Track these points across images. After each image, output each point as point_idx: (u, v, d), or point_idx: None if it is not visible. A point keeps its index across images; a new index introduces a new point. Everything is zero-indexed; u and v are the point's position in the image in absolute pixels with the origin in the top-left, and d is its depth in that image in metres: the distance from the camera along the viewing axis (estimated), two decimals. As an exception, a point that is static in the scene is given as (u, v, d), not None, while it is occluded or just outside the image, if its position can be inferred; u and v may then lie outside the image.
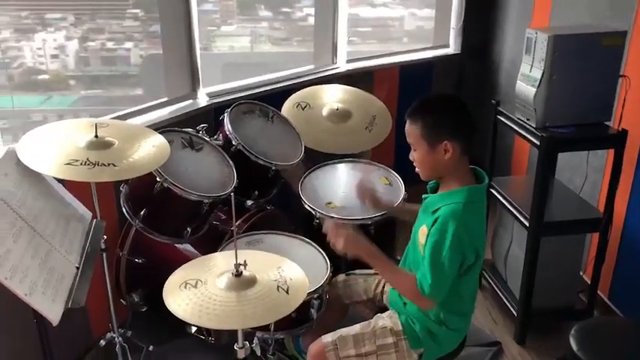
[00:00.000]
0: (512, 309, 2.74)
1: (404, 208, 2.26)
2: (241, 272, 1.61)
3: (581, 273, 2.84)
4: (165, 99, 2.94)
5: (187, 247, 2.43)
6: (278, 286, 1.60)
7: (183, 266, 1.73)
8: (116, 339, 2.12)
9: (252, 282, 1.60)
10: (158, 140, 1.99)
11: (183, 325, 2.45)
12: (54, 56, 2.58)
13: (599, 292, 2.71)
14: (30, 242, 1.51)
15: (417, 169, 1.84)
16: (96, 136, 1.83)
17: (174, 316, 2.54)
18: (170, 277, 1.67)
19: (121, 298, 2.51)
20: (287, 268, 1.70)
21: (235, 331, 2.37)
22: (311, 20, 3.74)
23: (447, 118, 1.76)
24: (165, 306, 2.52)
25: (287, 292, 1.59)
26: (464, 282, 1.80)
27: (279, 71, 3.43)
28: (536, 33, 2.37)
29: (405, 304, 1.94)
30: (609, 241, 2.56)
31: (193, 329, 2.42)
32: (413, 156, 1.83)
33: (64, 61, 2.58)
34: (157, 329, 2.48)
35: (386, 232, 2.52)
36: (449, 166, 1.77)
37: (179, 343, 2.50)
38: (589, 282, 2.70)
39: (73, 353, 2.40)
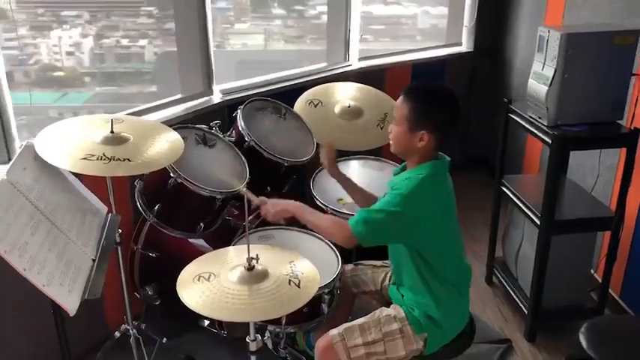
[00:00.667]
0: (522, 307, 2.74)
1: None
2: (253, 266, 1.63)
3: (592, 272, 2.83)
4: (179, 96, 2.98)
5: (200, 242, 2.47)
6: (290, 280, 1.63)
7: (196, 260, 1.77)
8: (130, 331, 2.15)
9: (264, 276, 1.63)
10: (172, 136, 2.03)
11: (196, 318, 2.50)
12: (69, 53, 2.61)
13: (610, 290, 2.70)
14: (48, 235, 1.55)
15: (390, 140, 1.91)
16: (112, 132, 1.86)
17: (188, 310, 2.60)
18: (183, 270, 1.69)
19: (135, 292, 2.55)
20: (299, 263, 1.73)
21: (247, 325, 2.42)
22: (324, 18, 3.76)
23: (434, 113, 1.82)
24: (178, 300, 2.57)
25: (298, 286, 1.61)
26: (433, 247, 1.84)
27: (292, 69, 3.45)
28: (549, 31, 2.37)
29: (402, 295, 1.98)
30: (621, 240, 2.55)
31: (206, 323, 2.46)
32: (391, 128, 1.90)
33: (79, 58, 2.62)
34: (170, 322, 2.52)
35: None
36: (419, 152, 1.85)
37: (192, 336, 2.54)
38: (600, 280, 2.70)
39: (88, 343, 2.45)
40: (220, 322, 2.40)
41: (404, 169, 1.96)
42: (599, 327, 2.06)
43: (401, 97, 1.85)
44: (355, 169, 2.76)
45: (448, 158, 1.90)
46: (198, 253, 2.36)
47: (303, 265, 1.72)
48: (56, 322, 1.68)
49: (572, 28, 2.36)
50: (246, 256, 1.66)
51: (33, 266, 1.41)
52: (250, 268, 1.63)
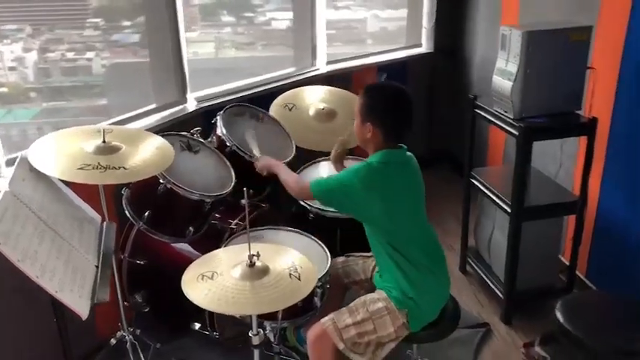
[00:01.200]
0: (497, 291, 2.89)
1: None
2: (254, 263, 1.71)
3: (560, 256, 3.01)
4: (154, 105, 3.01)
5: (186, 247, 2.52)
6: (290, 274, 1.70)
7: (195, 262, 1.82)
8: (127, 337, 2.19)
9: (265, 271, 1.71)
10: (161, 143, 2.08)
11: (187, 322, 2.55)
12: (12, 68, 2.54)
13: (577, 272, 2.88)
14: (53, 243, 1.59)
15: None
16: (104, 142, 1.90)
17: (178, 315, 2.64)
18: (185, 272, 1.75)
19: (124, 300, 2.57)
20: (296, 258, 1.81)
21: (239, 326, 2.48)
22: (275, 24, 3.83)
23: (379, 109, 2.00)
24: (167, 305, 2.61)
25: (299, 279, 1.69)
26: (397, 234, 1.99)
27: (249, 77, 3.50)
28: (510, 30, 2.52)
29: (380, 276, 2.12)
30: (585, 223, 2.73)
31: (197, 326, 2.51)
32: (354, 123, 2.09)
33: (23, 73, 2.54)
34: (161, 328, 2.56)
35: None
36: (371, 143, 2.03)
37: (184, 340, 2.58)
38: (567, 263, 2.88)
39: (79, 352, 2.45)
40: (212, 324, 2.45)
41: None
42: (572, 303, 2.23)
43: (359, 93, 2.06)
44: (334, 169, 2.85)
45: (405, 148, 2.05)
46: (184, 258, 2.44)
47: (300, 260, 1.80)
48: (60, 330, 1.72)
49: (531, 27, 2.52)
50: (245, 254, 1.73)
51: (44, 273, 1.45)
52: (252, 264, 1.70)
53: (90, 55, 2.82)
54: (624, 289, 2.66)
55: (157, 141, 2.09)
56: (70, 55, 2.73)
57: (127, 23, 2.97)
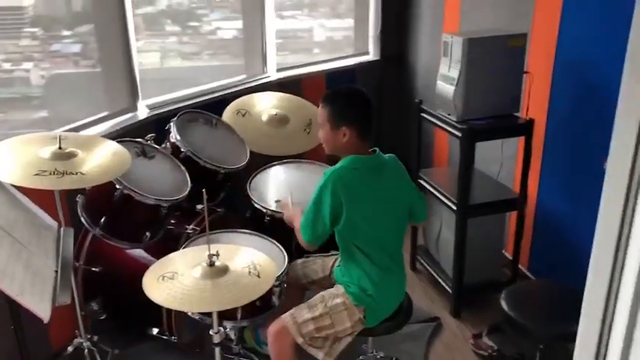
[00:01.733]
0: (446, 287, 3.02)
1: None
2: (214, 262, 1.75)
3: (503, 251, 3.17)
4: (105, 113, 3.01)
5: (141, 253, 2.53)
6: (249, 271, 1.76)
7: (155, 264, 1.85)
8: (84, 344, 2.18)
9: (225, 270, 1.76)
10: (117, 148, 2.10)
11: (144, 327, 2.56)
12: None
13: (519, 265, 3.04)
14: (12, 248, 1.59)
15: (323, 145, 2.15)
16: (60, 148, 1.91)
17: (135, 320, 2.64)
18: (146, 273, 1.78)
19: (81, 308, 2.55)
20: (254, 256, 1.86)
21: (196, 329, 2.51)
22: (220, 34, 3.86)
23: (349, 109, 2.08)
24: (124, 312, 2.61)
25: (258, 276, 1.75)
26: (359, 229, 2.06)
27: (197, 86, 3.53)
28: (452, 37, 2.67)
29: (341, 271, 2.19)
30: (525, 219, 2.90)
31: (155, 331, 2.52)
32: (320, 134, 2.14)
33: None
34: (118, 335, 2.55)
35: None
36: (346, 147, 2.07)
37: (141, 346, 2.58)
38: (510, 257, 3.04)
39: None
40: (170, 329, 2.47)
41: None
42: (515, 292, 2.36)
43: (320, 105, 2.10)
44: (288, 173, 2.93)
45: (377, 153, 2.11)
46: (140, 264, 2.46)
47: (258, 258, 1.86)
48: (18, 339, 1.71)
49: (471, 34, 2.67)
50: (204, 255, 1.77)
51: (4, 277, 1.46)
52: (212, 264, 1.74)
53: (27, 65, 2.76)
54: (563, 280, 2.83)
55: (113, 146, 2.11)
56: (7, 65, 2.66)
57: (67, 33, 2.93)
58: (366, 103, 2.09)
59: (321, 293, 2.14)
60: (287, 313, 2.07)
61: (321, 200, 1.99)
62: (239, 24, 3.84)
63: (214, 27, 3.83)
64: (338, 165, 2.06)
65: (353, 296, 2.08)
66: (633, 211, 0.99)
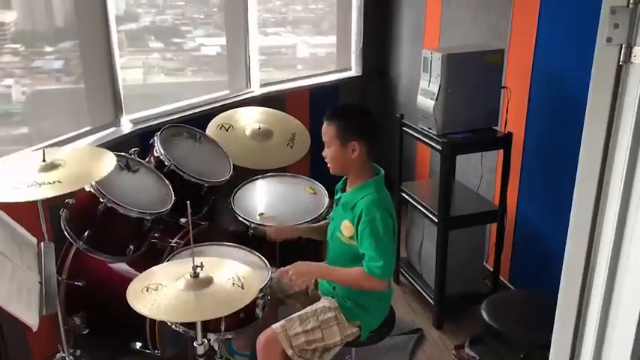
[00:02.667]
0: (428, 299, 3.05)
1: (313, 229, 2.50)
2: (198, 274, 1.77)
3: (484, 263, 3.21)
4: (88, 127, 3.02)
5: (125, 267, 2.52)
6: (233, 283, 1.78)
7: (140, 275, 1.86)
8: (67, 358, 2.17)
9: (209, 282, 1.77)
10: (100, 154, 2.11)
11: (127, 342, 2.54)
12: None
13: (500, 276, 3.09)
14: (-4, 261, 1.59)
15: (328, 164, 2.15)
16: (44, 160, 1.92)
17: (118, 335, 2.63)
18: (130, 284, 1.78)
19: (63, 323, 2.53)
20: (238, 269, 1.88)
21: (179, 343, 2.50)
22: (204, 50, 3.90)
23: (357, 123, 2.11)
24: (107, 326, 2.60)
25: (242, 287, 1.77)
26: None
27: (178, 102, 3.55)
28: (431, 53, 2.73)
29: (334, 288, 2.20)
30: (505, 231, 2.95)
31: (138, 345, 2.51)
32: (326, 153, 2.14)
33: None
34: (102, 348, 2.54)
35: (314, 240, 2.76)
36: (355, 163, 2.10)
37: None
38: (491, 269, 3.08)
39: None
40: (153, 343, 2.46)
41: (345, 183, 2.20)
42: (495, 302, 2.42)
43: (325, 123, 2.11)
44: (271, 186, 2.96)
45: (382, 171, 2.16)
46: (123, 278, 2.45)
47: (242, 270, 1.88)
48: (1, 355, 1.71)
49: (450, 50, 2.74)
50: (188, 268, 1.79)
51: (-11, 289, 1.46)
52: (196, 275, 1.76)
53: (9, 82, 2.75)
54: (543, 290, 2.87)
55: (96, 152, 2.12)
56: None
57: (49, 49, 2.93)
58: (370, 117, 2.13)
59: (314, 306, 2.15)
60: (278, 324, 2.08)
61: (379, 232, 1.99)
62: (222, 40, 3.87)
63: (198, 43, 3.86)
64: (371, 193, 2.04)
65: (348, 312, 2.11)
66: (602, 217, 1.04)
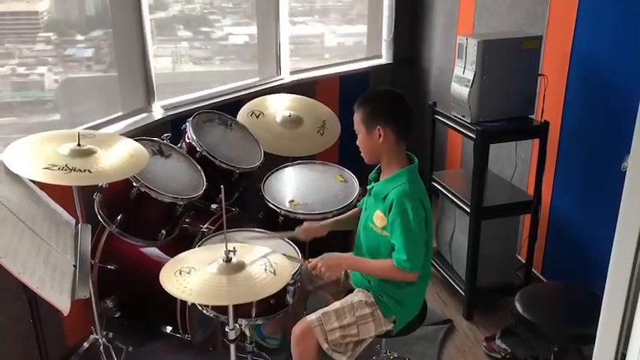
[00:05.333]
0: (459, 289, 3.01)
1: (341, 220, 2.46)
2: (231, 258, 1.77)
3: (517, 254, 3.15)
4: (120, 113, 3.04)
5: (156, 252, 2.54)
6: (265, 269, 1.77)
7: (173, 259, 1.86)
8: (100, 340, 2.20)
9: (241, 267, 1.77)
10: (135, 150, 2.12)
11: (158, 325, 2.57)
12: None
13: (533, 268, 3.03)
14: (32, 242, 1.61)
15: (361, 153, 2.12)
16: (79, 145, 1.94)
17: (149, 318, 2.66)
18: (163, 268, 1.79)
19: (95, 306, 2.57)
20: (270, 254, 1.87)
21: (210, 329, 2.52)
22: (231, 39, 3.89)
23: (382, 107, 2.06)
24: (138, 309, 2.63)
25: (274, 273, 1.76)
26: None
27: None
28: (467, 39, 2.67)
29: (369, 281, 2.16)
30: (539, 222, 2.88)
31: (169, 329, 2.54)
32: (358, 140, 2.11)
33: None
34: (132, 332, 2.57)
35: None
36: (385, 150, 2.06)
37: (155, 344, 2.60)
38: (524, 261, 3.02)
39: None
40: (184, 327, 2.48)
41: (378, 172, 2.16)
42: (529, 294, 2.36)
43: (355, 111, 2.08)
44: (301, 173, 2.94)
45: (416, 160, 2.11)
46: (155, 262, 2.48)
47: (274, 256, 1.87)
48: (37, 334, 1.74)
49: (486, 36, 2.67)
50: (220, 253, 1.79)
51: (26, 270, 1.48)
52: (228, 260, 1.76)
53: (42, 69, 2.79)
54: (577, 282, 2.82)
55: (132, 147, 2.13)
56: (22, 70, 2.70)
57: (80, 37, 2.96)
58: (399, 101, 2.08)
59: (350, 299, 2.12)
60: (313, 317, 2.06)
61: (410, 223, 1.95)
62: (250, 29, 3.87)
63: (226, 32, 3.86)
64: (403, 183, 2.00)
65: (385, 307, 2.09)
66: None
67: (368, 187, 2.17)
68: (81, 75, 3.05)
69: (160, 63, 3.43)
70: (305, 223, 2.40)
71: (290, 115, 3.09)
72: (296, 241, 2.37)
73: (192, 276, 1.72)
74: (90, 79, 3.09)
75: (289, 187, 2.84)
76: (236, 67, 4.02)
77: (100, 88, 3.10)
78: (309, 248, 2.61)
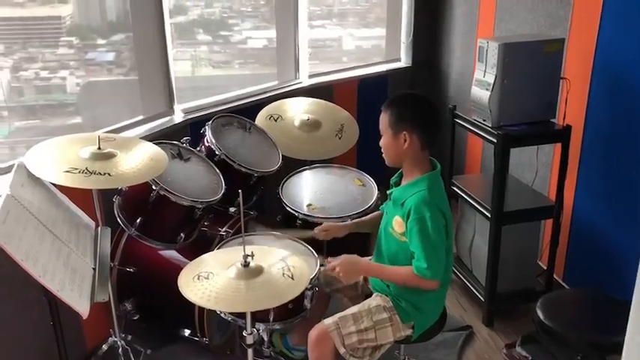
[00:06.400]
0: (479, 295, 2.97)
1: (363, 222, 2.44)
2: (249, 263, 1.76)
3: (538, 260, 3.11)
4: (141, 117, 3.06)
5: (174, 255, 2.55)
6: (283, 273, 1.76)
7: (191, 263, 1.86)
8: (119, 343, 2.21)
9: (259, 271, 1.76)
10: (155, 154, 2.13)
11: (176, 328, 2.58)
12: None
13: (554, 275, 2.98)
14: (52, 245, 1.62)
15: (383, 154, 2.09)
16: (99, 148, 1.95)
17: (168, 321, 2.66)
18: (181, 272, 1.79)
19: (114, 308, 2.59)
20: (288, 258, 1.86)
21: (228, 333, 2.52)
22: (250, 43, 3.90)
23: (410, 112, 2.03)
24: (156, 312, 2.63)
25: (292, 278, 1.75)
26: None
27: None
28: (488, 42, 2.64)
29: (388, 286, 2.14)
30: (561, 228, 2.84)
31: (187, 332, 2.54)
32: (381, 143, 2.08)
33: None
34: (150, 335, 2.58)
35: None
36: (408, 155, 2.03)
37: (173, 347, 2.61)
38: (545, 267, 2.98)
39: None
40: (202, 331, 2.48)
41: (400, 176, 2.14)
42: (552, 300, 2.32)
43: (382, 112, 2.05)
44: (319, 177, 2.93)
45: (439, 165, 2.09)
46: (173, 265, 2.48)
47: (292, 260, 1.86)
48: (56, 336, 1.75)
49: (507, 39, 2.65)
50: (238, 256, 1.78)
51: (46, 273, 1.49)
52: (246, 264, 1.75)
53: (64, 73, 2.82)
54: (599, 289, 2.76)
55: (152, 151, 2.13)
56: (44, 73, 2.73)
57: (101, 42, 3.00)
58: (429, 107, 2.05)
59: (367, 304, 2.10)
60: (330, 321, 2.04)
61: (427, 231, 1.92)
62: (269, 33, 3.88)
63: (244, 36, 3.88)
64: (422, 190, 1.97)
65: (403, 312, 2.06)
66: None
67: (388, 192, 2.15)
68: (102, 78, 3.08)
69: (179, 67, 3.46)
70: (325, 223, 2.39)
71: (308, 119, 3.08)
72: (314, 242, 2.36)
73: (210, 281, 1.71)
74: (111, 82, 3.12)
75: (307, 190, 2.84)
76: (255, 71, 4.03)
77: (121, 91, 3.13)
78: (327, 251, 2.60)
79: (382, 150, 2.08)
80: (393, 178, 2.16)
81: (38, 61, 2.69)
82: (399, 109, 2.02)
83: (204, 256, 1.92)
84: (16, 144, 2.70)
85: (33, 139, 2.64)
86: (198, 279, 1.73)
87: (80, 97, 2.94)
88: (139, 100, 3.09)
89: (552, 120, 2.74)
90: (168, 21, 3.05)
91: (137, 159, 2.03)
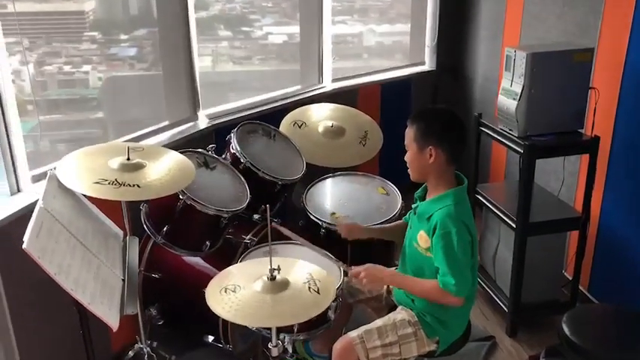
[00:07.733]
0: (502, 305, 2.95)
1: (385, 229, 2.44)
2: (275, 277, 1.77)
3: (563, 271, 3.07)
4: (166, 122, 3.09)
5: (199, 261, 2.57)
6: (309, 287, 1.77)
7: (218, 275, 1.88)
8: (144, 349, 2.24)
9: (285, 285, 1.77)
10: (182, 165, 2.14)
11: (200, 335, 2.60)
12: None
13: (580, 286, 2.94)
14: (83, 258, 1.65)
15: (408, 169, 2.08)
16: (128, 159, 1.97)
17: (192, 327, 2.69)
18: (208, 285, 1.80)
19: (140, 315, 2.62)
20: (314, 271, 1.87)
21: (250, 340, 2.53)
22: (271, 39, 3.91)
23: (437, 127, 2.01)
24: (180, 318, 2.66)
25: (318, 292, 1.75)
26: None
27: (249, 91, 3.60)
28: (515, 51, 2.61)
29: (412, 300, 2.12)
30: (587, 239, 2.80)
31: (210, 338, 2.56)
32: (406, 157, 2.07)
33: (19, 86, 2.49)
34: (174, 341, 2.61)
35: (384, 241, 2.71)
36: (434, 170, 2.02)
37: (197, 353, 2.63)
38: (570, 278, 2.94)
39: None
40: (226, 337, 2.50)
41: (425, 190, 2.12)
42: (578, 316, 2.29)
43: (407, 126, 2.04)
44: (342, 185, 2.93)
45: (466, 181, 2.07)
46: (198, 272, 2.51)
47: (318, 274, 1.86)
48: (86, 345, 1.77)
49: (535, 48, 2.61)
50: (264, 268, 1.79)
51: (77, 287, 1.51)
52: (273, 278, 1.76)
53: (87, 68, 2.85)
54: (626, 303, 2.73)
55: (180, 161, 2.15)
56: (67, 68, 2.76)
57: (124, 37, 3.03)
58: (455, 122, 2.03)
59: (392, 318, 2.09)
60: (355, 334, 2.04)
61: (453, 247, 1.90)
62: (290, 29, 3.87)
63: (265, 32, 3.88)
64: (448, 205, 1.95)
65: (428, 327, 2.06)
66: None
67: (413, 206, 2.14)
68: (124, 73, 3.11)
69: (200, 62, 3.50)
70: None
71: (332, 126, 3.08)
72: (338, 246, 2.37)
73: (237, 294, 1.72)
74: (133, 77, 3.16)
75: (331, 199, 2.84)
76: (275, 67, 4.04)
77: (143, 86, 3.16)
78: (351, 260, 2.60)
79: (407, 164, 2.07)
80: (418, 192, 2.15)
81: (62, 55, 2.72)
82: (424, 123, 2.01)
83: (231, 268, 1.94)
84: (40, 138, 2.68)
85: (54, 134, 2.73)
86: (226, 292, 1.74)
87: (102, 91, 2.97)
88: (162, 97, 3.10)
89: (580, 130, 2.70)
90: (193, 16, 3.06)
91: (165, 169, 2.05)
